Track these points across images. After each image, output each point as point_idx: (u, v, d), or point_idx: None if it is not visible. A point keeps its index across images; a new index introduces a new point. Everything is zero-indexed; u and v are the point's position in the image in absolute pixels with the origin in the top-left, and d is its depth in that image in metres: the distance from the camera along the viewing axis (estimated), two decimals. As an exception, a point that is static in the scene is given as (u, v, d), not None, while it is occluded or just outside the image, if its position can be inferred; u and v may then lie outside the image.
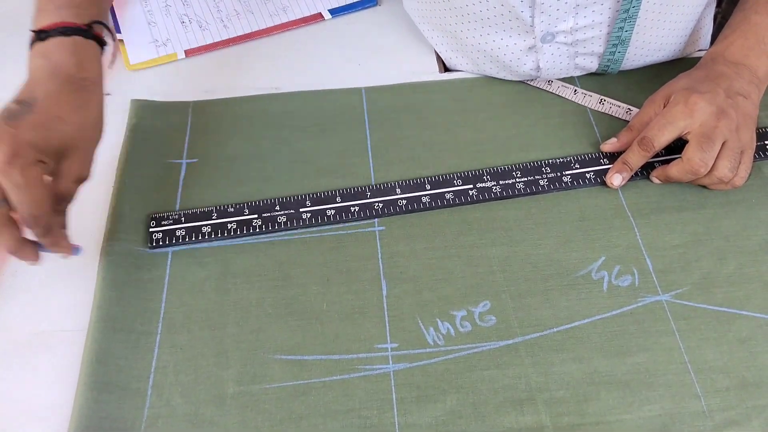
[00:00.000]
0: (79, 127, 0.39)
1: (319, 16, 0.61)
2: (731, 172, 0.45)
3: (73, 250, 0.40)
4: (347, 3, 0.62)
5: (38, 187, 0.37)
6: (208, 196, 0.47)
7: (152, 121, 0.52)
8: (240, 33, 0.60)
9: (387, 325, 0.41)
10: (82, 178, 0.40)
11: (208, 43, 0.59)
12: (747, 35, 0.48)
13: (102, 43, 0.43)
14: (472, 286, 0.43)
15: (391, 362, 0.40)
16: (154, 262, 0.44)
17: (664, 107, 0.47)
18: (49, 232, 0.38)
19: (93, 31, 0.42)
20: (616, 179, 0.47)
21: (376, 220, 0.46)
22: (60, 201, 0.39)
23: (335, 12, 0.62)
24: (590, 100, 0.53)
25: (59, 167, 0.39)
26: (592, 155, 0.49)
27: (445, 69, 0.57)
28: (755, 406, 0.38)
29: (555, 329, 0.41)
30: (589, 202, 0.47)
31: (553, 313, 0.42)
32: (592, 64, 0.53)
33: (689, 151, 0.44)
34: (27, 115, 0.37)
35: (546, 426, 0.37)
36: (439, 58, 0.58)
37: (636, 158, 0.47)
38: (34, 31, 0.41)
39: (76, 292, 0.43)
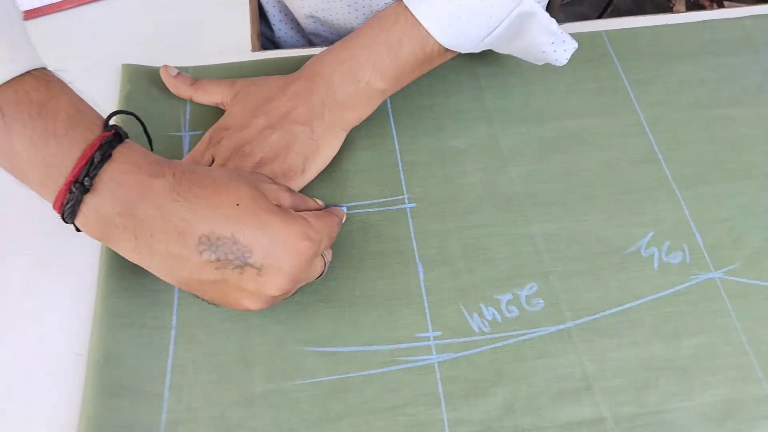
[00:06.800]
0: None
1: None
2: None
3: None
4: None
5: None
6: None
7: (148, 89, 0.46)
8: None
9: (427, 312, 0.38)
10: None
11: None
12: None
13: None
14: (515, 266, 0.39)
15: (434, 352, 0.36)
16: (161, 247, 0.39)
17: None
18: None
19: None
20: None
21: (406, 196, 0.42)
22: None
23: None
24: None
25: None
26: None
27: (260, 46, 0.51)
28: (821, 388, 0.36)
29: (608, 312, 0.38)
30: (631, 173, 0.44)
31: (605, 294, 0.39)
32: None
33: None
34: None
35: (605, 418, 0.35)
36: (253, 34, 0.51)
37: None
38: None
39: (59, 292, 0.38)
